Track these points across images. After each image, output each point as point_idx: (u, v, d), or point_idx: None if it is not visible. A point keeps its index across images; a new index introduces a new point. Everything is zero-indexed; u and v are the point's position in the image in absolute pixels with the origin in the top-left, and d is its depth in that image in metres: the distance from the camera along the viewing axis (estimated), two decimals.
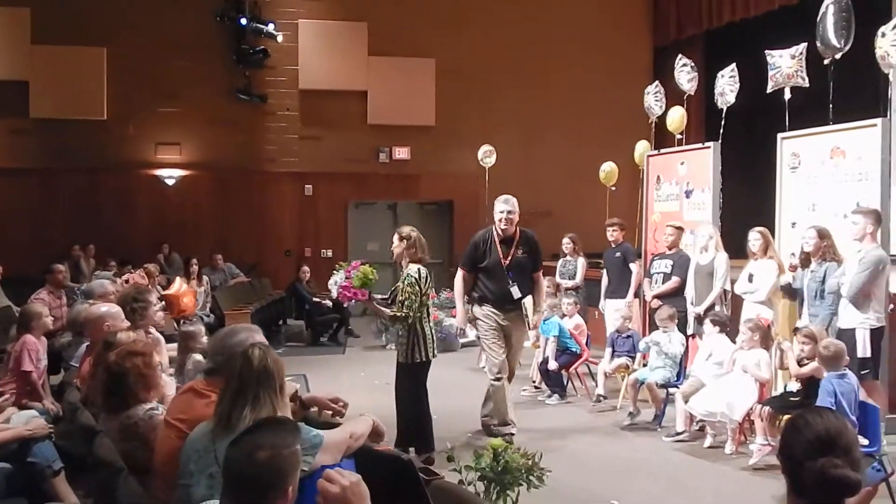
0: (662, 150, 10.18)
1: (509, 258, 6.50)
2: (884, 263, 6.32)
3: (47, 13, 13.91)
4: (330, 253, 14.44)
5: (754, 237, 7.44)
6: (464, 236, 14.99)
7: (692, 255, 8.00)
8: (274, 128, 15.14)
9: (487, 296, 6.56)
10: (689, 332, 7.59)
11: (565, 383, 8.27)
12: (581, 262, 9.48)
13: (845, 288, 6.31)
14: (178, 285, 9.37)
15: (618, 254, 9.06)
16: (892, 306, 6.47)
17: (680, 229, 8.50)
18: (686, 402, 6.52)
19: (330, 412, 3.77)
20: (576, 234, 9.77)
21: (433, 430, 5.98)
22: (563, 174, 14.73)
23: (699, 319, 7.45)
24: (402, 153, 15.16)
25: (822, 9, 7.72)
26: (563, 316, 8.40)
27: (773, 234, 7.68)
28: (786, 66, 8.11)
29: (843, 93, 7.82)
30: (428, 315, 6.00)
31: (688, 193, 9.28)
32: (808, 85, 7.99)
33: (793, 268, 7.03)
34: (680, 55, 10.01)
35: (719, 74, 9.02)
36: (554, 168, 14.82)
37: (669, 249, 8.37)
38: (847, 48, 7.64)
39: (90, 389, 4.26)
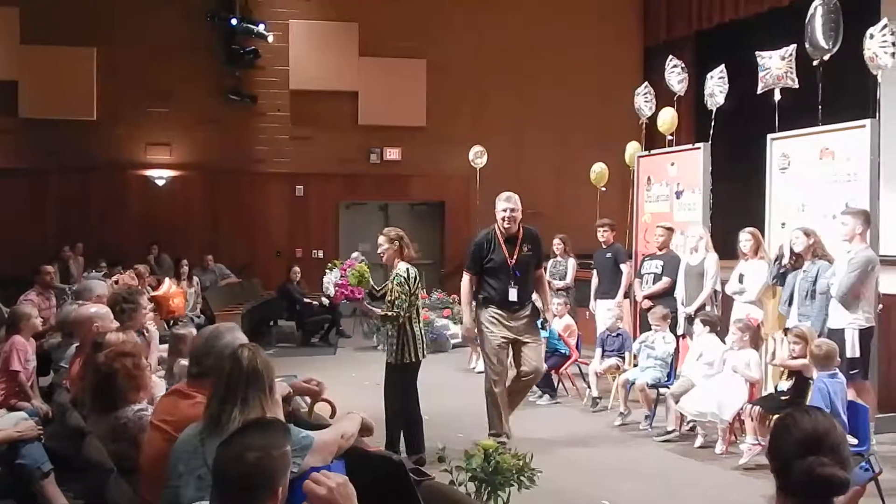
0: (653, 151, 10.21)
1: (515, 257, 6.32)
2: (873, 264, 6.35)
3: (36, 13, 13.85)
4: (321, 253, 14.42)
5: (745, 238, 7.47)
6: (455, 237, 15.13)
7: (682, 256, 8.02)
8: (264, 128, 15.11)
9: (493, 297, 6.33)
10: (680, 332, 7.61)
11: (555, 384, 8.28)
12: (571, 262, 9.49)
13: (835, 288, 6.34)
14: (168, 286, 9.34)
15: (608, 254, 9.07)
16: (881, 306, 6.49)
17: (670, 230, 8.52)
18: (676, 402, 6.53)
19: (311, 396, 3.84)
20: (566, 234, 9.79)
21: (424, 431, 5.97)
22: (553, 175, 14.76)
23: (689, 320, 7.47)
24: (393, 154, 15.16)
25: (811, 10, 7.75)
26: (554, 316, 8.40)
27: (763, 235, 7.71)
28: (775, 67, 8.13)
29: (833, 94, 7.85)
30: (418, 315, 5.97)
31: (678, 194, 9.30)
32: (797, 86, 8.02)
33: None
34: (670, 56, 10.04)
35: (708, 75, 9.05)
36: (545, 169, 14.84)
37: (660, 250, 8.38)
38: (836, 49, 7.68)
39: (80, 391, 4.24)
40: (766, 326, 7.14)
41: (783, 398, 5.78)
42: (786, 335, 6.28)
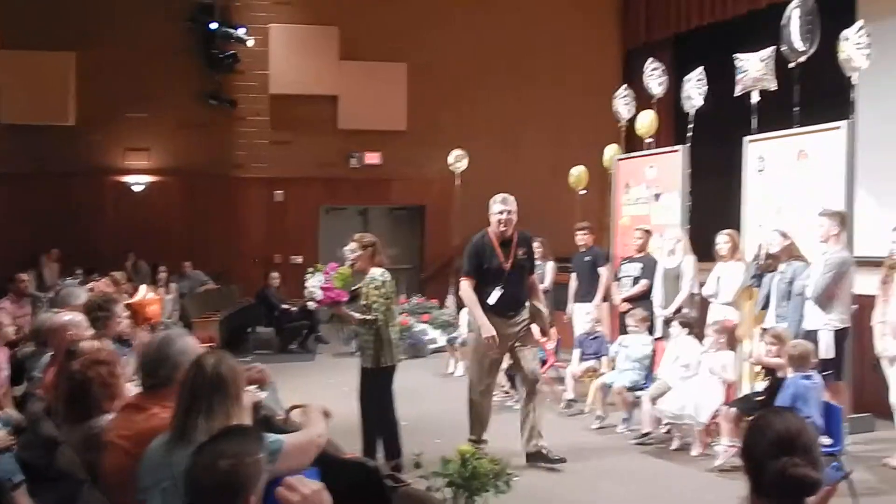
0: (632, 154, 10.26)
1: (511, 260, 6.07)
2: (847, 265, 6.41)
3: (14, 18, 13.72)
4: (300, 259, 14.35)
5: (722, 240, 7.52)
6: (435, 242, 15.13)
7: (660, 259, 8.05)
8: (244, 133, 15.04)
9: (488, 302, 6.05)
10: (657, 335, 7.63)
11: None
12: (550, 265, 9.50)
13: (809, 289, 6.39)
14: (144, 293, 9.27)
15: (587, 257, 9.09)
16: (855, 307, 6.54)
17: (648, 233, 8.56)
18: (653, 404, 6.56)
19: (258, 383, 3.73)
20: (545, 237, 9.78)
21: (401, 437, 5.95)
22: (533, 178, 14.73)
23: (667, 322, 7.49)
24: (373, 158, 15.12)
25: (787, 12, 7.82)
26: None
27: (740, 237, 7.76)
28: (754, 69, 8.20)
29: (810, 96, 7.92)
30: (393, 319, 5.97)
31: (657, 196, 9.35)
32: (775, 88, 8.08)
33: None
34: (650, 59, 10.10)
35: (686, 78, 9.11)
36: (525, 172, 14.80)
37: (638, 253, 8.42)
38: (812, 51, 7.75)
39: (54, 399, 4.19)
40: (743, 328, 7.18)
41: (759, 399, 5.81)
42: (762, 336, 6.31)
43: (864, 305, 6.37)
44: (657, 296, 7.84)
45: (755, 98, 8.21)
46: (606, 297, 9.03)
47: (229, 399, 2.74)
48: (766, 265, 6.94)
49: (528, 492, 5.14)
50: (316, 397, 6.49)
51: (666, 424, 6.63)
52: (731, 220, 8.29)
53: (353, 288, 6.05)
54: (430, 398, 8.60)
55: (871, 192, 10.14)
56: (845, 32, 7.35)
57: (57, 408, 4.02)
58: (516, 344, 6.15)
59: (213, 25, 14.27)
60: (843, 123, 7.33)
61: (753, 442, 2.24)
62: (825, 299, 6.35)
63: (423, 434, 6.59)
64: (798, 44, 7.73)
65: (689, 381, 6.46)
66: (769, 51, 8.08)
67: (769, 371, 5.95)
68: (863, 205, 9.55)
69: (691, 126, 9.18)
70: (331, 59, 14.88)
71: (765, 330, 6.43)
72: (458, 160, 13.54)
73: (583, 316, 8.65)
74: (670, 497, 5.53)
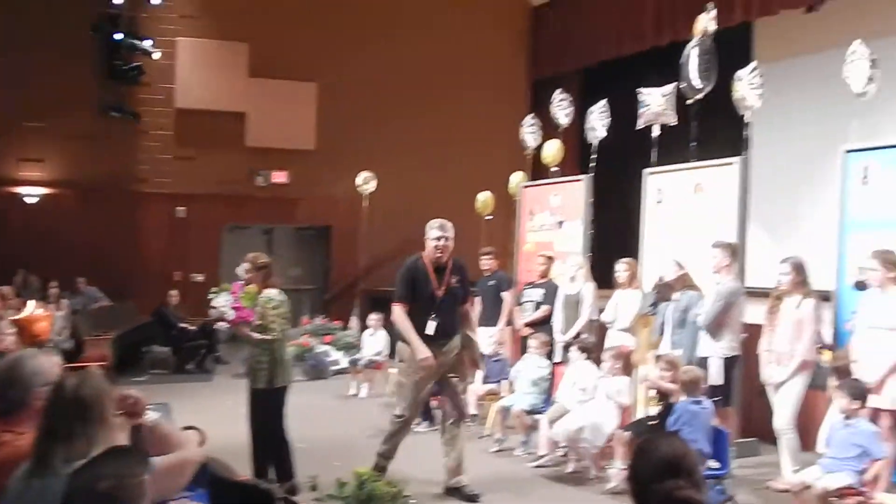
0: (537, 182, 10.45)
1: (444, 287, 5.93)
2: (737, 295, 6.64)
3: None
4: (201, 277, 14.01)
5: (621, 268, 7.72)
6: (341, 262, 15.02)
7: (561, 285, 8.18)
8: (147, 147, 14.63)
9: (419, 329, 5.87)
10: (557, 359, 7.74)
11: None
12: None
13: (701, 318, 6.60)
14: (33, 309, 8.86)
15: (492, 282, 9.15)
16: (744, 336, 6.78)
17: (551, 259, 8.70)
18: (551, 427, 6.64)
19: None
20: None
21: (293, 458, 5.86)
22: (441, 202, 14.69)
23: (566, 347, 7.61)
24: (280, 177, 14.92)
25: (686, 51, 8.13)
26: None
27: (638, 266, 7.97)
28: (655, 104, 8.46)
29: (707, 131, 8.23)
30: (289, 339, 5.94)
31: (560, 224, 9.53)
32: (675, 123, 8.37)
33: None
34: (558, 89, 10.32)
35: (590, 110, 9.35)
36: (433, 195, 14.83)
37: (541, 279, 8.54)
38: (710, 89, 8.07)
39: None
40: (638, 354, 7.35)
41: (651, 423, 5.95)
42: (657, 362, 6.48)
43: (753, 334, 6.60)
44: (557, 321, 7.96)
45: (656, 132, 8.48)
46: (509, 322, 9.11)
47: (92, 423, 2.56)
48: (662, 294, 7.14)
49: None
50: (213, 420, 6.36)
51: (562, 447, 6.71)
52: (631, 249, 8.51)
53: None
54: (330, 420, 8.51)
55: (762, 226, 10.58)
56: (740, 72, 7.67)
57: None
58: (448, 374, 6.00)
59: (119, 36, 13.87)
60: (736, 159, 7.64)
61: (639, 465, 2.28)
62: (715, 327, 6.57)
63: (321, 456, 6.51)
64: (696, 81, 8.04)
65: (586, 404, 6.57)
66: (671, 87, 8.36)
67: (662, 396, 6.10)
68: (755, 238, 9.96)
69: (594, 157, 9.41)
70: (239, 76, 14.66)
71: (659, 356, 6.60)
72: (366, 181, 13.51)
73: (486, 339, 8.69)
74: None
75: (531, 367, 7.37)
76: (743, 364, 6.81)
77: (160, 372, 11.37)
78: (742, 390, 7.05)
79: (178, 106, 14.51)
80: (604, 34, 13.78)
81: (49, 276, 12.05)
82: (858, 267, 6.28)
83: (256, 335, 5.75)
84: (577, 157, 12.30)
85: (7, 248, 13.40)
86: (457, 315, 6.06)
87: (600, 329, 7.91)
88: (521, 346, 8.19)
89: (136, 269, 14.18)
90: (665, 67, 8.73)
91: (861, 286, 6.15)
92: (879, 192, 6.37)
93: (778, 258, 6.47)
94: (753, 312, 6.89)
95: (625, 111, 8.97)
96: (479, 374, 8.08)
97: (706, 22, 8.12)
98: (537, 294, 8.38)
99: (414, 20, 15.13)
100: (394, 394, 9.24)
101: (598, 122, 9.28)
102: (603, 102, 9.32)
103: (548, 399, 7.21)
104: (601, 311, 7.83)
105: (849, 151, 6.66)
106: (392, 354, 9.92)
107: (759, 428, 7.01)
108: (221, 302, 5.78)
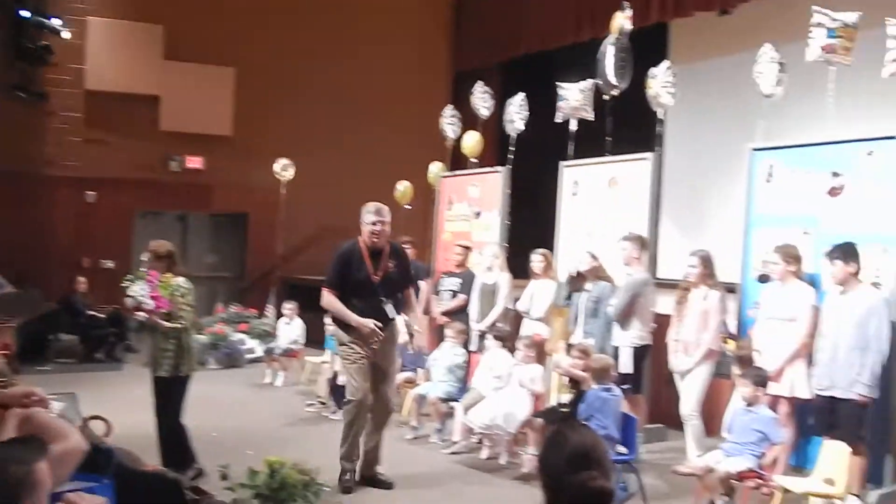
0: (456, 172, 10.51)
1: (380, 273, 5.79)
2: (644, 286, 6.82)
3: None
4: (111, 264, 13.61)
5: (536, 258, 7.83)
6: (258, 250, 14.80)
7: (478, 274, 8.26)
8: (55, 129, 14.08)
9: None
10: (473, 348, 7.82)
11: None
12: None
13: (610, 309, 6.77)
14: None
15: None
16: (653, 326, 6.97)
17: (468, 249, 8.77)
18: (466, 414, 6.71)
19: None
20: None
21: (192, 445, 5.81)
22: (360, 190, 14.58)
23: (482, 336, 7.70)
24: (195, 162, 14.57)
25: (602, 48, 8.29)
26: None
27: (553, 256, 8.11)
28: (573, 98, 8.60)
29: (623, 127, 8.41)
30: (195, 328, 5.91)
31: (478, 215, 9.61)
32: (592, 118, 8.52)
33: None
34: (479, 81, 10.37)
35: (508, 102, 9.44)
36: (352, 184, 14.72)
37: (458, 268, 8.61)
38: (625, 86, 8.25)
39: None
40: (552, 343, 7.48)
41: (563, 410, 6.08)
42: (569, 351, 6.61)
43: (663, 324, 6.80)
44: (473, 310, 8.03)
45: (573, 126, 8.63)
46: (426, 310, 9.15)
47: None
48: (575, 284, 7.29)
49: (337, 501, 5.16)
50: (121, 409, 6.23)
51: (477, 434, 6.79)
52: (547, 240, 8.64)
53: None
54: (244, 409, 8.42)
55: (673, 220, 10.88)
56: (653, 70, 7.87)
57: None
58: (379, 362, 5.86)
59: (26, 14, 13.30)
60: (650, 155, 7.85)
61: (550, 456, 2.32)
62: (624, 318, 6.76)
63: (235, 445, 6.45)
64: (612, 78, 8.21)
65: (500, 391, 6.66)
66: (589, 82, 8.50)
67: (574, 383, 6.24)
68: (666, 231, 10.24)
69: (513, 149, 9.52)
70: (154, 58, 14.24)
71: (571, 345, 6.74)
72: (284, 169, 13.34)
73: (403, 328, 8.70)
74: (477, 502, 5.67)
75: (447, 355, 7.43)
76: (653, 353, 7.00)
77: (67, 361, 11.00)
78: (651, 378, 7.26)
79: (89, 87, 14.01)
80: (525, 28, 13.89)
81: None
82: (762, 260, 6.52)
83: (166, 323, 5.64)
84: (497, 148, 12.42)
85: None
86: (397, 301, 5.91)
87: (516, 318, 8.02)
88: (438, 335, 8.24)
89: (43, 254, 13.66)
90: (585, 63, 8.87)
91: (764, 279, 6.40)
92: (782, 189, 6.63)
93: (687, 251, 6.68)
94: (664, 303, 7.09)
95: (544, 105, 9.09)
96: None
97: (622, 20, 8.30)
98: (454, 283, 8.45)
99: (336, 7, 14.98)
100: (310, 382, 9.25)
101: (517, 114, 9.37)
102: (521, 95, 9.42)
103: (463, 387, 7.28)
104: (517, 300, 7.94)
105: (755, 150, 6.90)
106: (308, 343, 9.90)
107: (667, 414, 7.24)
108: (137, 291, 5.65)
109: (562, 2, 12.96)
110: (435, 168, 11.17)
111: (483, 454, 6.68)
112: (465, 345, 7.71)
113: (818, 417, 5.70)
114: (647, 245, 7.10)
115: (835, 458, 5.09)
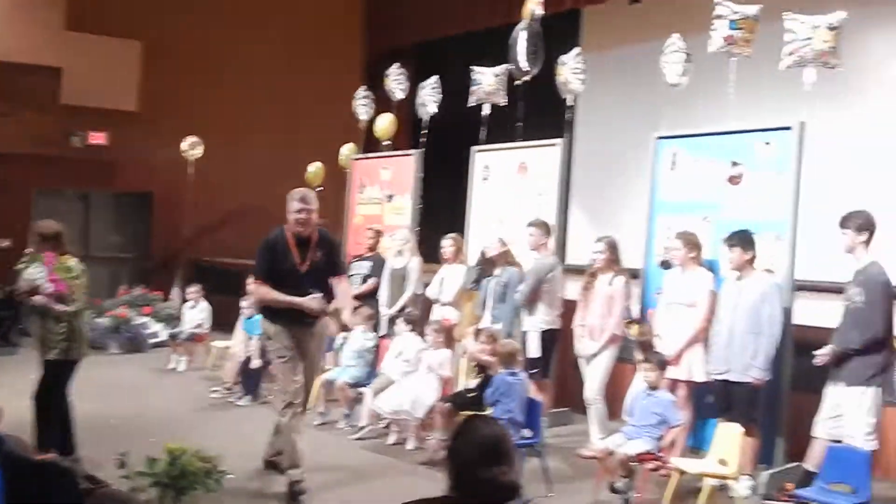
0: (368, 155, 10.43)
1: (307, 262, 5.48)
2: (548, 271, 6.90)
3: None
4: (7, 243, 13.02)
5: (447, 243, 7.85)
6: (163, 230, 14.40)
7: (388, 259, 8.23)
8: None
9: (281, 309, 5.46)
10: (382, 332, 7.80)
11: (261, 384, 8.11)
12: None
13: (517, 294, 6.85)
14: None
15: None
16: (562, 311, 7.08)
17: (380, 233, 8.73)
18: (375, 398, 6.70)
19: None
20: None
21: (75, 434, 5.68)
22: (271, 171, 14.42)
23: (392, 320, 7.68)
24: (98, 138, 14.04)
25: (514, 34, 8.32)
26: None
27: (464, 241, 8.14)
28: (487, 83, 8.64)
29: (534, 113, 8.48)
30: (85, 311, 5.78)
31: (389, 198, 9.57)
32: (505, 103, 8.56)
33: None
34: (395, 64, 10.28)
35: (421, 85, 9.40)
36: (263, 164, 14.53)
37: (369, 252, 8.57)
38: (536, 72, 8.31)
39: None
40: (461, 328, 7.52)
41: (470, 396, 6.13)
42: (477, 336, 6.66)
43: (570, 309, 6.90)
44: (383, 294, 8.01)
45: (486, 110, 8.66)
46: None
47: None
48: (484, 269, 7.34)
49: (240, 487, 5.11)
50: (13, 395, 5.98)
51: (385, 419, 6.78)
52: (458, 224, 8.67)
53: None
54: (147, 395, 8.21)
55: (582, 206, 11.08)
56: (563, 57, 7.96)
57: None
58: (307, 357, 5.57)
59: None
60: (559, 141, 7.94)
61: (459, 447, 2.37)
62: (529, 303, 6.85)
63: (136, 433, 6.28)
64: (523, 63, 8.26)
65: (409, 376, 6.67)
66: (503, 67, 8.54)
67: (481, 368, 6.29)
68: (574, 217, 10.41)
69: (425, 132, 9.49)
70: (55, 29, 13.63)
71: (479, 330, 6.79)
72: (192, 147, 13.00)
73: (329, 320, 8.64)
74: (381, 486, 5.67)
75: (357, 339, 7.39)
76: (561, 338, 7.11)
77: None
78: (558, 363, 7.37)
79: None
80: (439, 11, 13.85)
81: None
82: (664, 247, 6.68)
83: (59, 306, 5.44)
84: (411, 132, 12.38)
85: None
86: (325, 291, 5.53)
87: (425, 303, 8.02)
88: None
89: None
90: (499, 48, 8.90)
91: (666, 265, 6.56)
92: (685, 177, 6.80)
93: (595, 237, 6.80)
94: (573, 289, 7.20)
95: (459, 88, 9.09)
96: None
97: (533, 5, 8.34)
98: (365, 267, 8.40)
99: None
100: (215, 367, 9.07)
101: (430, 97, 9.35)
102: (435, 78, 9.39)
103: (372, 372, 7.26)
104: (427, 285, 7.94)
105: (660, 138, 7.05)
106: (214, 327, 9.71)
107: (573, 398, 7.37)
108: (34, 273, 5.43)
109: None
110: (347, 150, 11.06)
111: (390, 439, 6.67)
112: (375, 329, 7.68)
113: (714, 400, 5.89)
114: (552, 231, 7.19)
115: (728, 440, 5.29)
